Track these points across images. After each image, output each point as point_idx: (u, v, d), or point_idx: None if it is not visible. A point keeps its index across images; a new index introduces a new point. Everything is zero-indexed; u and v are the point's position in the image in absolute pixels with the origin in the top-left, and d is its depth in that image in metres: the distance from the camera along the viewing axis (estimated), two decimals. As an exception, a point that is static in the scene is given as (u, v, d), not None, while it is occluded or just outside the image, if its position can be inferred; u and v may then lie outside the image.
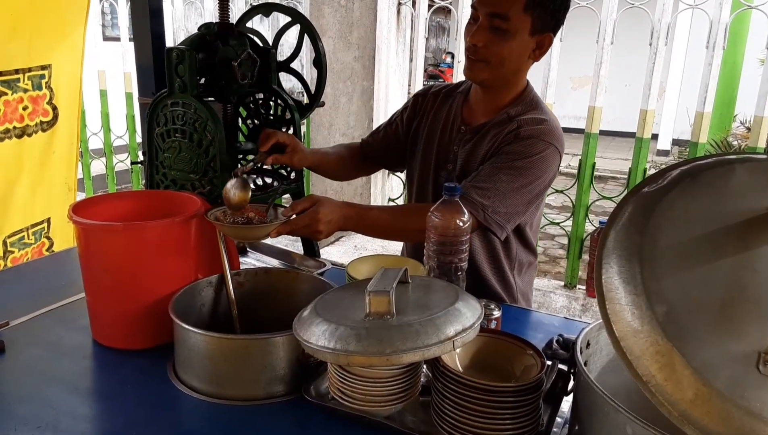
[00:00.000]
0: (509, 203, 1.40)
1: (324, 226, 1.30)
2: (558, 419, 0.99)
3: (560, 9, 1.41)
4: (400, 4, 3.51)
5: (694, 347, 0.68)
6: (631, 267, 0.73)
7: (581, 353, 0.91)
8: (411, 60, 3.55)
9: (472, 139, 1.52)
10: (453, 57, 13.01)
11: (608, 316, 0.72)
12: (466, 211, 1.23)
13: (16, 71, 2.25)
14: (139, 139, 4.48)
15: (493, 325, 1.23)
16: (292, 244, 3.95)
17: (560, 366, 1.04)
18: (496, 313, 1.24)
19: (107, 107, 4.53)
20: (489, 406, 0.88)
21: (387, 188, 3.84)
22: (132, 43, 4.34)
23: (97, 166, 4.82)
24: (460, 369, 0.99)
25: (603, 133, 3.20)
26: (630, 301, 0.71)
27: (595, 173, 3.01)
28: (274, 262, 1.77)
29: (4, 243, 2.37)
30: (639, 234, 0.75)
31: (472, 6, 1.43)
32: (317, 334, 0.94)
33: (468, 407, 0.89)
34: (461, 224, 1.24)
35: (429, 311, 0.95)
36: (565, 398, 1.02)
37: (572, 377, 0.95)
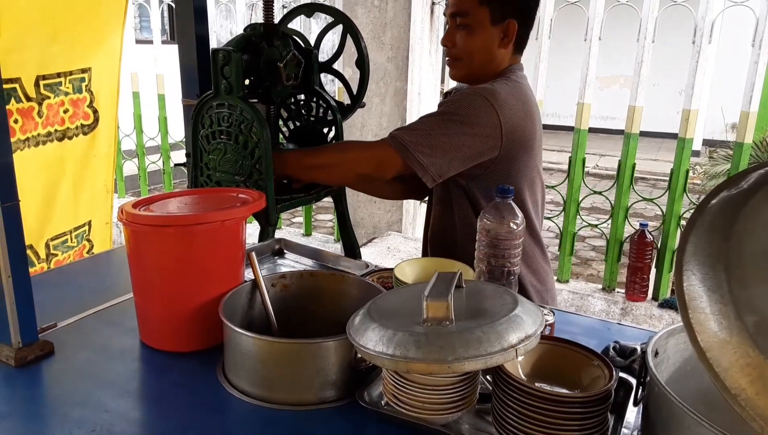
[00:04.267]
0: (435, 144, 1.40)
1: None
2: (624, 430, 0.95)
3: None
4: (433, 3, 3.48)
5: (788, 360, 0.64)
6: (716, 274, 0.69)
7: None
8: (444, 59, 3.52)
9: None
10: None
11: (692, 326, 0.69)
12: (521, 215, 1.21)
13: (58, 75, 2.27)
14: (170, 140, 4.53)
15: (547, 331, 1.20)
16: (324, 244, 3.95)
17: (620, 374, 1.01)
18: (550, 319, 1.21)
19: (140, 109, 4.59)
20: (555, 417, 0.85)
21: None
22: (164, 46, 4.42)
23: (129, 167, 4.88)
24: (523, 377, 0.96)
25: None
26: (716, 311, 0.68)
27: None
28: (310, 263, 1.74)
29: (47, 245, 2.40)
30: (723, 240, 0.71)
31: (444, 14, 1.58)
32: (374, 340, 0.92)
33: (533, 417, 0.86)
34: (514, 227, 1.21)
35: (488, 318, 0.93)
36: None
37: (641, 387, 0.91)
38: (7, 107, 2.06)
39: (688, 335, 0.69)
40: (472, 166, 1.45)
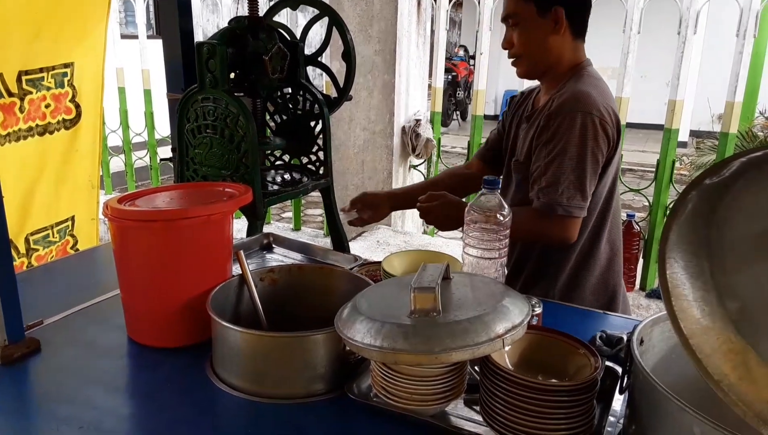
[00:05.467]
0: (581, 187, 1.45)
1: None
2: (611, 418, 0.96)
3: None
4: (420, -5, 3.47)
5: (770, 345, 0.65)
6: (699, 262, 0.70)
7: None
8: (431, 53, 3.51)
9: (526, 127, 1.60)
10: (465, 50, 12.93)
11: (675, 313, 0.70)
12: (507, 207, 1.22)
13: (41, 70, 2.25)
14: (157, 136, 4.49)
15: (534, 321, 1.21)
16: (313, 239, 3.94)
17: (607, 363, 1.02)
18: (537, 309, 1.21)
19: (126, 104, 4.55)
20: (543, 406, 0.86)
21: (408, 182, 3.82)
22: (150, 41, 4.38)
23: (116, 163, 4.84)
24: (510, 367, 0.97)
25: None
26: (699, 297, 0.68)
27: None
28: (299, 257, 1.74)
29: (27, 240, 2.38)
30: (705, 227, 0.72)
31: (501, 21, 1.60)
32: (362, 332, 0.92)
33: (520, 406, 0.87)
34: (501, 218, 1.22)
35: (476, 308, 0.93)
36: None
37: (626, 375, 0.92)
38: (-11, 103, 2.04)
39: (671, 322, 0.69)
40: None
